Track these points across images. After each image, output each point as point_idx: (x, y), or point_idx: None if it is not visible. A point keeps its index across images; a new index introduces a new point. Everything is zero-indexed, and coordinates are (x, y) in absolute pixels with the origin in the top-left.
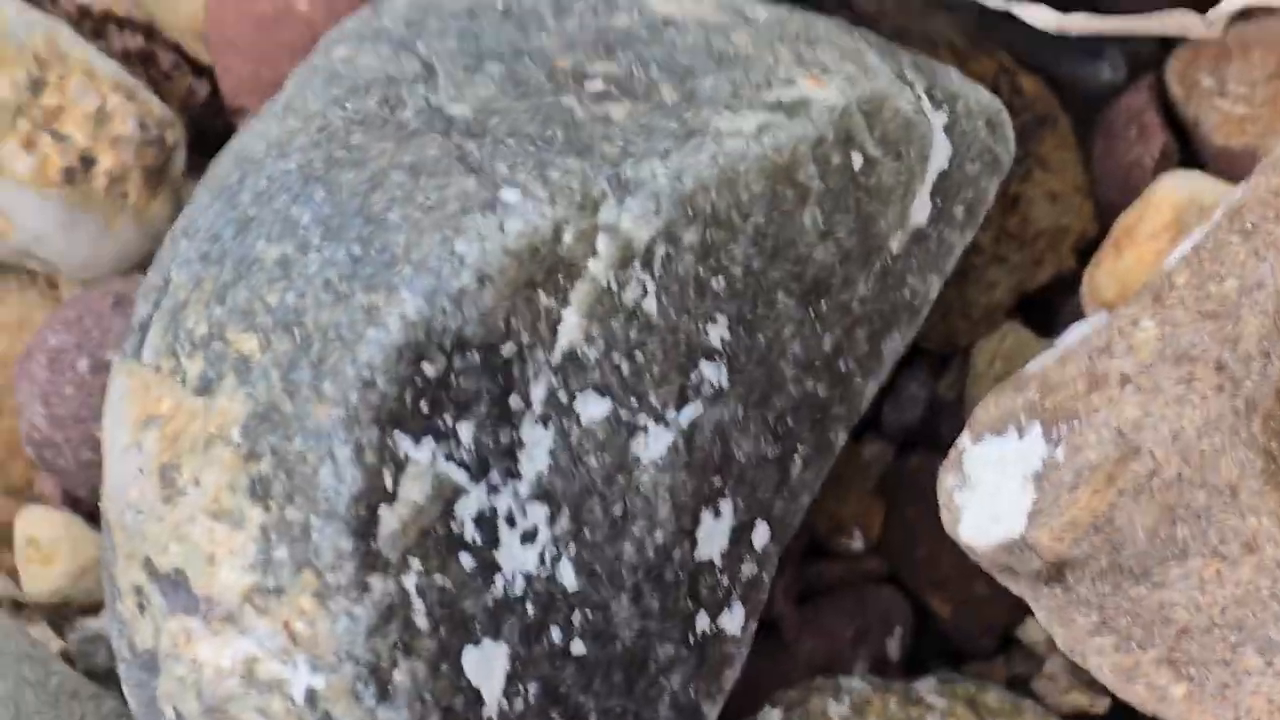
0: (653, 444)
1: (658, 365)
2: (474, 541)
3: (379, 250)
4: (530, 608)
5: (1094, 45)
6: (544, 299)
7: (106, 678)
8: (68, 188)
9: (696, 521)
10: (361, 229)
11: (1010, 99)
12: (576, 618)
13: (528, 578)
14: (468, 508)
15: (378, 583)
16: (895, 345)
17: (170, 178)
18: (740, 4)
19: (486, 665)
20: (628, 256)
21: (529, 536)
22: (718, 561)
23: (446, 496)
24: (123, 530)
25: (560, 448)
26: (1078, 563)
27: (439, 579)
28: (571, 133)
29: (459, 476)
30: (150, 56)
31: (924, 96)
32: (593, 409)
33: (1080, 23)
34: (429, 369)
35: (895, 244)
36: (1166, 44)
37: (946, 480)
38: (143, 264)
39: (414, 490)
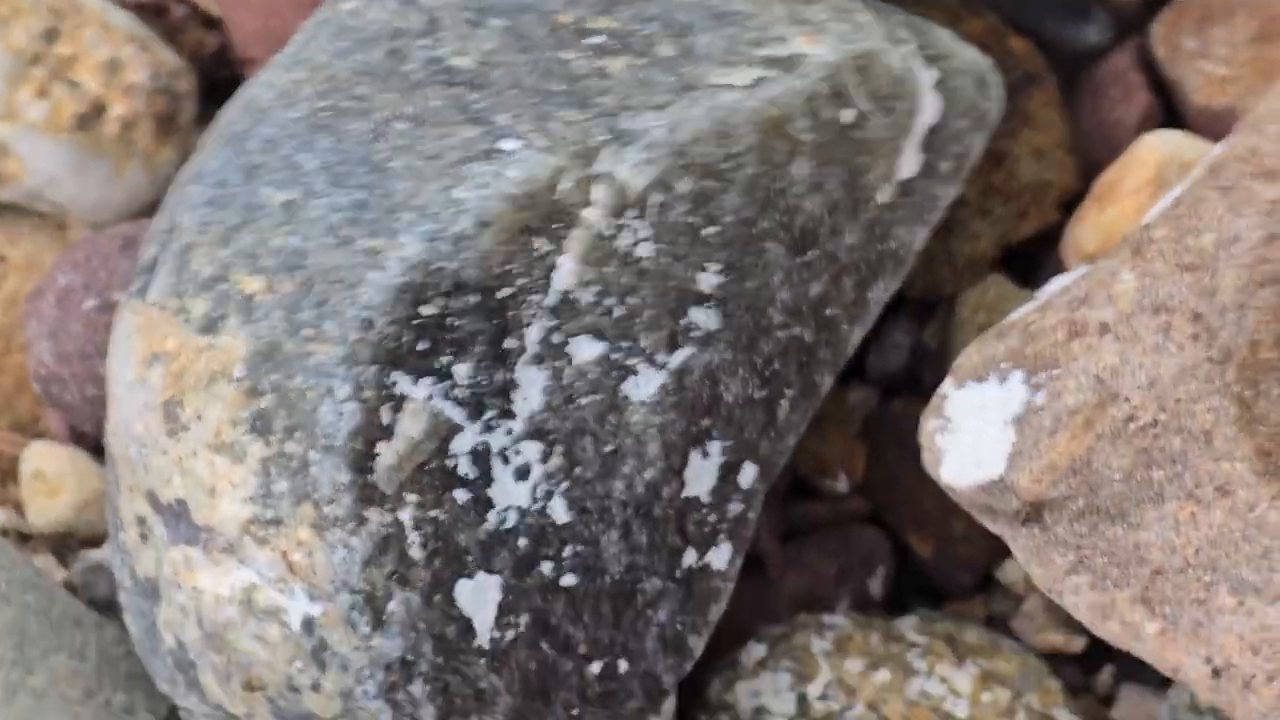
0: (644, 385)
1: (650, 310)
2: (468, 477)
3: (382, 196)
4: (522, 541)
5: (1081, 7)
6: (541, 244)
7: (107, 607)
8: (79, 133)
9: (685, 461)
10: (365, 176)
11: (1000, 58)
12: (567, 552)
13: (520, 512)
14: (463, 444)
15: (374, 515)
16: (881, 294)
17: (179, 126)
18: None
19: (479, 596)
20: (622, 204)
21: (522, 473)
22: (705, 499)
23: (442, 434)
24: (127, 464)
25: (554, 388)
26: (1055, 504)
27: (434, 513)
28: (571, 85)
29: (455, 414)
30: (163, 9)
31: (915, 55)
32: (586, 351)
33: None
34: (427, 310)
35: (883, 196)
36: (1151, 6)
37: (929, 424)
38: (150, 209)
39: (411, 427)
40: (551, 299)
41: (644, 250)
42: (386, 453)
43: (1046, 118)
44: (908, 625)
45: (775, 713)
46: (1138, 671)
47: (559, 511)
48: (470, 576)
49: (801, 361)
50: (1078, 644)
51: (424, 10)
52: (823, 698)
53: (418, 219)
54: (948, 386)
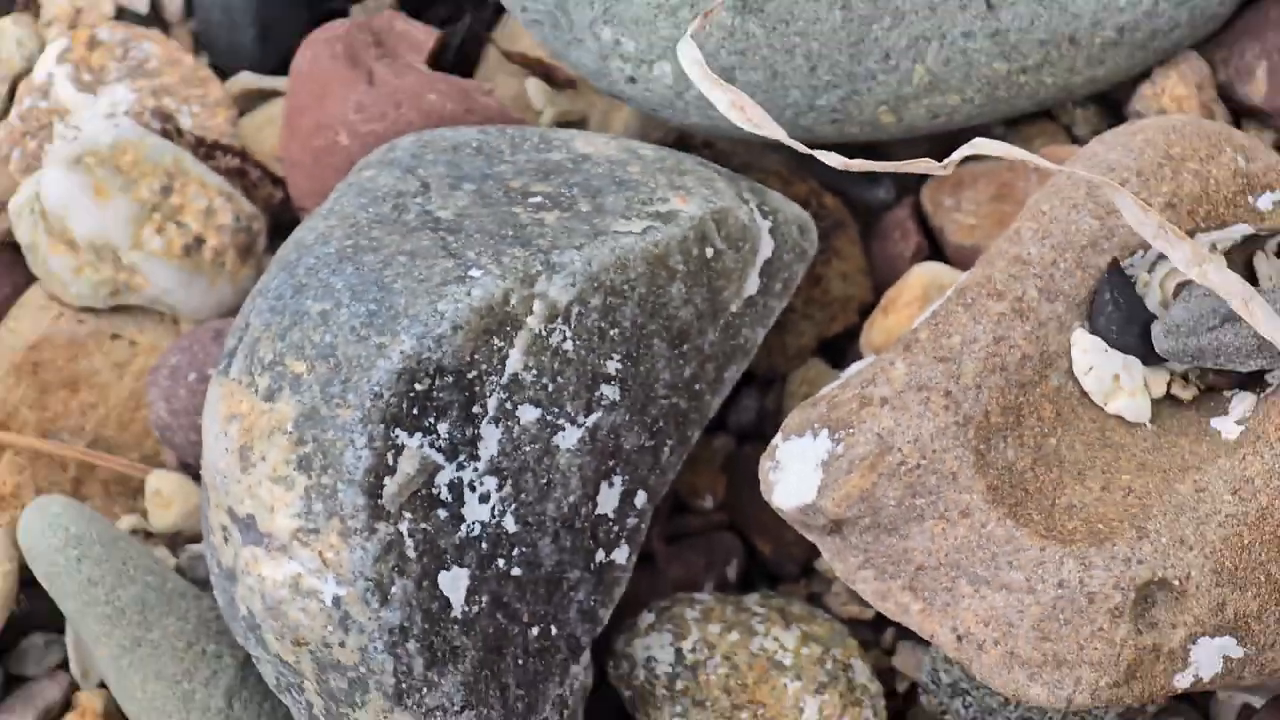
0: (568, 437)
1: (572, 386)
2: (447, 500)
3: (387, 308)
4: (484, 545)
5: (874, 177)
6: (497, 342)
7: (203, 585)
8: (185, 259)
9: (597, 489)
10: (376, 294)
11: (816, 210)
12: (515, 552)
13: (482, 525)
14: (444, 478)
15: (382, 527)
16: (734, 373)
17: (255, 254)
18: (634, 146)
19: (454, 583)
20: (553, 314)
21: (484, 498)
22: (611, 515)
23: (429, 471)
24: (214, 488)
25: (506, 439)
26: (850, 521)
27: (423, 525)
28: (518, 231)
29: (438, 458)
30: (243, 172)
31: (756, 209)
32: (528, 414)
33: (860, 164)
34: (419, 386)
35: (734, 306)
36: (922, 177)
37: (765, 464)
38: (233, 311)
39: (408, 466)
40: (505, 379)
41: (568, 346)
42: (390, 484)
43: (849, 251)
44: (752, 601)
45: (660, 661)
46: (909, 634)
47: (510, 524)
48: (449, 569)
49: (679, 421)
50: (868, 614)
51: (419, 178)
52: (693, 650)
53: (411, 324)
54: (778, 439)
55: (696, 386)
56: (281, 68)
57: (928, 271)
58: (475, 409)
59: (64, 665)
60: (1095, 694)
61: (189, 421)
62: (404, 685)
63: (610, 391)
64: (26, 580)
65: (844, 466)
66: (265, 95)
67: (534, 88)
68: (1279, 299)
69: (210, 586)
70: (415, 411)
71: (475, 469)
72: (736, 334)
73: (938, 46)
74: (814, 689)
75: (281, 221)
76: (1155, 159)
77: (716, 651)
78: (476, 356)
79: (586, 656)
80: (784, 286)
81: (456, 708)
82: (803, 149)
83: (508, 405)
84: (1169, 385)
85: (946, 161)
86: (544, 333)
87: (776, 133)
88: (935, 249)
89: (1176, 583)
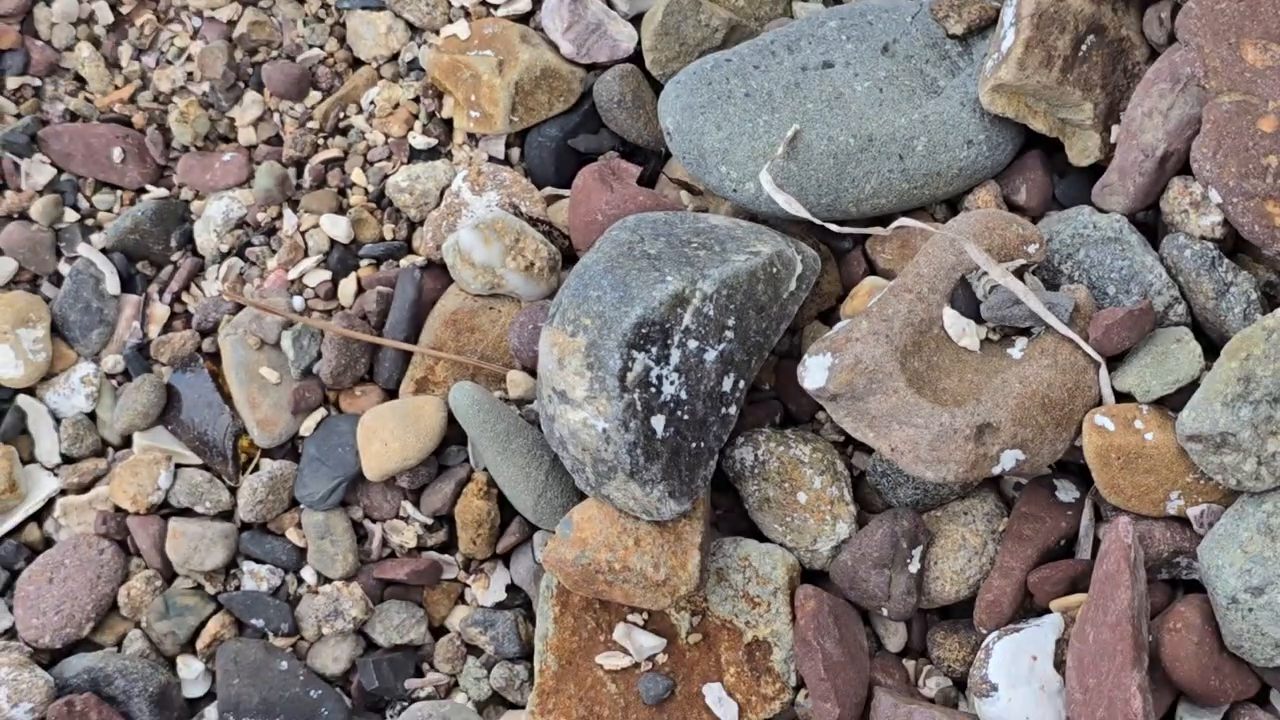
0: (710, 355)
1: (713, 331)
2: (655, 384)
3: (626, 294)
4: (671, 405)
5: (845, 235)
6: (678, 310)
7: (535, 424)
8: (525, 272)
9: (723, 379)
10: (620, 289)
11: (819, 249)
12: (685, 409)
13: (671, 395)
14: (654, 374)
15: (625, 396)
16: (784, 327)
17: (556, 271)
18: (737, 220)
19: (658, 423)
20: (705, 298)
21: (672, 383)
22: (728, 391)
23: (647, 370)
24: (544, 378)
25: (682, 355)
26: (840, 395)
27: (643, 396)
28: (687, 259)
29: (651, 364)
30: (550, 233)
31: (793, 250)
32: (692, 344)
33: (842, 230)
34: (643, 330)
35: (784, 296)
36: (868, 236)
37: (799, 369)
38: (547, 297)
39: (637, 368)
40: (682, 327)
41: (711, 312)
42: (629, 377)
43: (832, 271)
44: (789, 432)
45: (747, 460)
46: (865, 448)
47: (683, 395)
48: (655, 416)
49: (759, 348)
50: (844, 439)
51: (638, 234)
52: (761, 455)
53: (638, 302)
54: (806, 356)
55: (768, 332)
56: (566, 184)
57: (871, 281)
58: (669, 341)
59: (466, 460)
60: (957, 476)
61: (529, 348)
62: (634, 469)
63: (729, 334)
64: (450, 421)
65: (838, 369)
66: (560, 197)
67: (685, 195)
68: (1036, 295)
69: (538, 424)
70: (641, 342)
71: (667, 369)
72: (785, 309)
73: (877, 178)
74: (818, 472)
75: (569, 256)
76: (980, 228)
77: (773, 455)
78: (669, 317)
79: (716, 458)
80: (806, 287)
81: (658, 480)
82: (817, 222)
83: (683, 339)
84: (988, 334)
85: (886, 229)
86: (700, 306)
87: (803, 214)
88: (873, 270)
89: (994, 424)
